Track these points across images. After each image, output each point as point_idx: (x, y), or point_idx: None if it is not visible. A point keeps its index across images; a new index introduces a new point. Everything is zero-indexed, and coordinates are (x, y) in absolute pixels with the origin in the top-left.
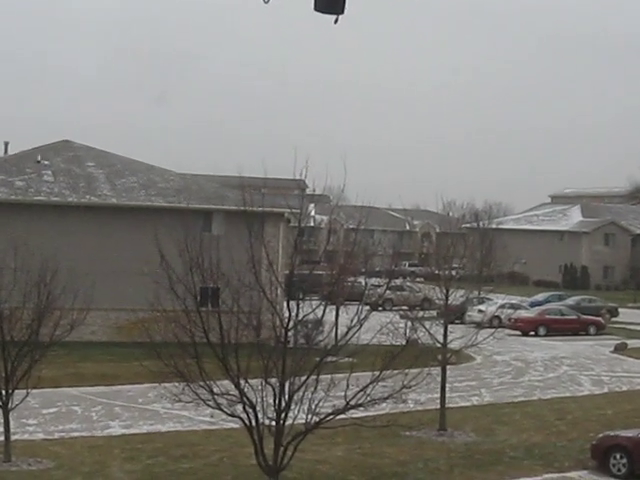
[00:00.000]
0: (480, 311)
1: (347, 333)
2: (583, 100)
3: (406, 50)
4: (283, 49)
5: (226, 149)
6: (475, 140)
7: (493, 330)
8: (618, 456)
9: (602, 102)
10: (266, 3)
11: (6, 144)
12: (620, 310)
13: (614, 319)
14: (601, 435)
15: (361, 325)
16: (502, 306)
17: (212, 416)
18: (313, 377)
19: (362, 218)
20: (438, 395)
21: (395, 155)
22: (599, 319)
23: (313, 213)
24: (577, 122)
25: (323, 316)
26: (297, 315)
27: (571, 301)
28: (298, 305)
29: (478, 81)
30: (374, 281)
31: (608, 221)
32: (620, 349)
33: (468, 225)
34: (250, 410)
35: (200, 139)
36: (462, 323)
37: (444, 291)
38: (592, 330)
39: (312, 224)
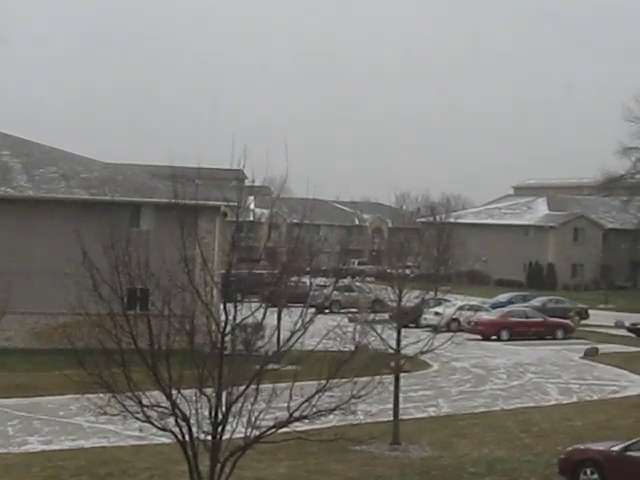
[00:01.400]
0: (437, 314)
1: (290, 338)
2: (549, 82)
3: (360, 34)
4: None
5: (156, 136)
6: (430, 128)
7: (451, 334)
8: (589, 471)
9: (570, 84)
10: None
11: None
12: (590, 312)
13: (584, 322)
14: (570, 448)
15: (305, 329)
16: (461, 308)
17: (141, 430)
18: (253, 387)
19: (306, 212)
20: (391, 406)
21: (342, 144)
22: (567, 322)
23: (252, 206)
24: (542, 106)
25: (264, 319)
26: (235, 319)
27: (537, 302)
28: (236, 308)
29: (433, 62)
30: (320, 281)
31: (577, 214)
32: (590, 354)
33: (423, 219)
34: (183, 423)
35: (127, 125)
36: (417, 327)
37: (397, 292)
38: (560, 334)
39: (251, 218)
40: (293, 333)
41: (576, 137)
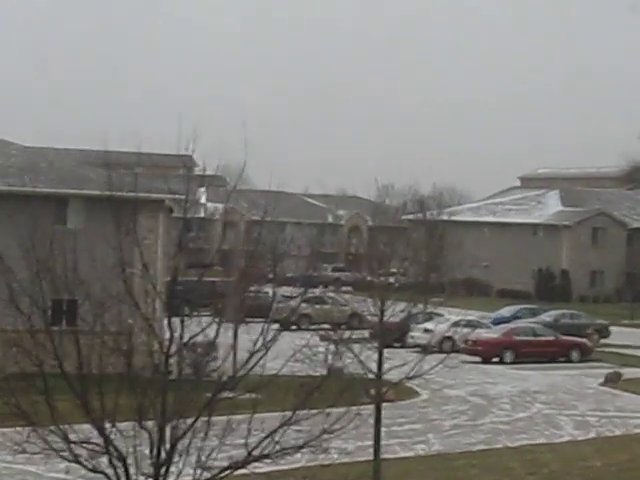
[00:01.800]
0: (427, 331)
1: (249, 360)
2: (561, 58)
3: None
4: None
5: (88, 114)
6: (420, 109)
7: (444, 356)
8: None
9: (585, 59)
10: None
11: None
12: (612, 329)
13: (604, 341)
14: None
15: (267, 349)
16: (456, 324)
17: (68, 472)
18: (203, 419)
19: (269, 206)
20: (371, 442)
21: (314, 127)
22: (584, 341)
23: (204, 200)
24: (553, 84)
25: (217, 337)
26: (182, 337)
27: (547, 317)
28: (183, 323)
29: (424, 37)
30: (286, 291)
31: (596, 211)
32: (612, 381)
33: (411, 216)
34: (119, 464)
35: (50, 102)
36: (403, 347)
37: (379, 304)
38: (575, 356)
39: (202, 214)
40: (252, 354)
41: (595, 120)
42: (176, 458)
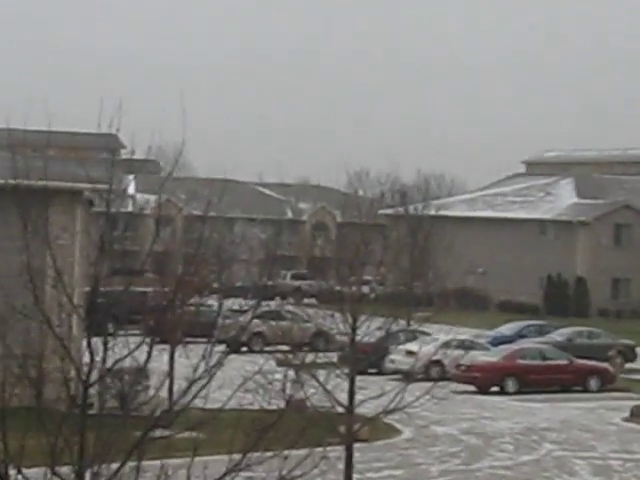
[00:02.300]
0: (410, 353)
1: (188, 390)
2: (575, 23)
3: None
4: None
5: None
6: (398, 79)
7: (431, 384)
8: None
9: (600, 25)
10: None
11: None
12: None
13: (629, 365)
14: None
15: (211, 377)
16: (446, 344)
17: None
18: (132, 464)
19: (214, 198)
20: None
21: (270, 103)
22: (605, 366)
23: (132, 190)
24: (566, 48)
25: (148, 362)
26: (105, 361)
27: (559, 336)
28: (106, 344)
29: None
30: (234, 304)
31: (620, 204)
32: (639, 415)
33: (390, 211)
34: None
35: None
36: (380, 373)
37: (350, 320)
38: (594, 384)
39: (130, 208)
40: (193, 383)
41: (617, 91)
42: None
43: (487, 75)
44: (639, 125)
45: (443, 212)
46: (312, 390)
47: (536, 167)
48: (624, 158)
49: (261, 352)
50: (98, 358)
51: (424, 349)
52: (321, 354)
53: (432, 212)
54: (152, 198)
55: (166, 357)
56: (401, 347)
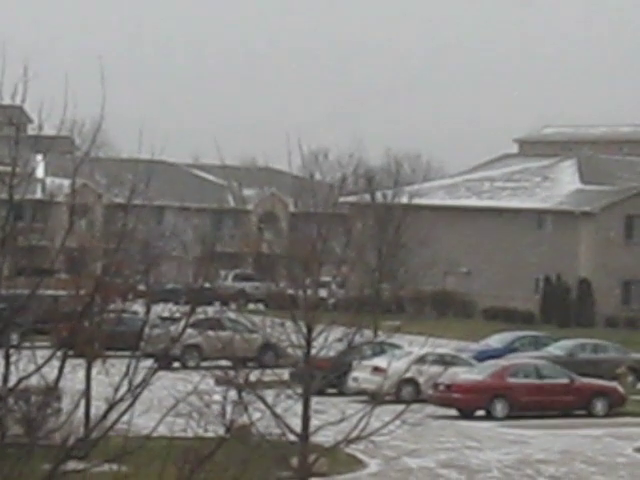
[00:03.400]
0: (377, 370)
1: (108, 414)
2: None
3: None
4: None
5: None
6: (363, 42)
7: (403, 408)
8: None
9: None
10: None
11: None
12: None
13: None
14: None
15: (136, 398)
16: (421, 360)
17: None
18: None
19: (139, 183)
20: None
21: (209, 72)
22: (614, 385)
23: (41, 173)
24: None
25: (60, 380)
26: (6, 379)
27: (559, 350)
28: (9, 358)
29: None
30: (164, 310)
31: (631, 191)
32: None
33: (353, 198)
34: None
35: None
36: (341, 393)
37: (304, 330)
38: (600, 407)
39: (39, 195)
40: (113, 405)
41: (628, 57)
42: None
43: (467, 39)
44: None
45: (418, 200)
46: (258, 414)
47: (532, 147)
48: (637, 136)
49: (197, 368)
50: None
51: (394, 365)
52: (269, 371)
53: (404, 200)
54: (65, 183)
55: (81, 374)
56: (366, 363)
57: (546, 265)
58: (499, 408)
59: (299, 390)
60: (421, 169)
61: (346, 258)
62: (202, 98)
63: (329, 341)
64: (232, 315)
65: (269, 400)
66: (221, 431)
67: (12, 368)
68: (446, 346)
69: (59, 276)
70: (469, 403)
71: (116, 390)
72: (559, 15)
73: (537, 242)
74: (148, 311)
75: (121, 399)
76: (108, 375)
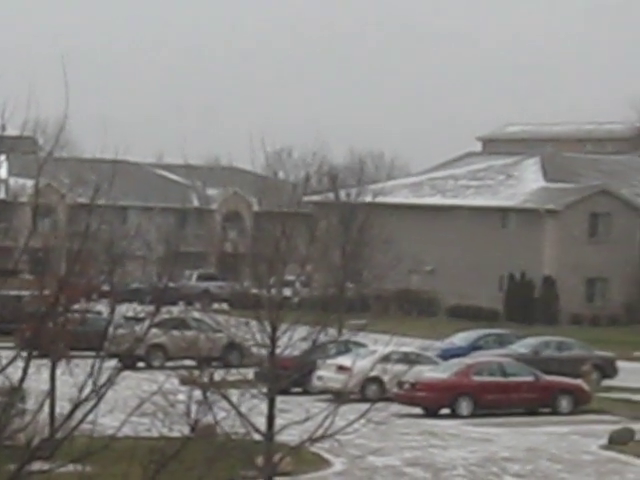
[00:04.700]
0: (341, 369)
1: (72, 414)
2: None
3: None
4: None
5: None
6: (329, 38)
7: (368, 406)
8: None
9: None
10: None
11: None
12: (620, 365)
13: (607, 382)
14: None
15: (100, 398)
16: (386, 358)
17: None
18: None
19: (103, 182)
20: None
21: (169, 72)
22: (579, 383)
23: (4, 174)
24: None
25: (24, 381)
26: None
27: (523, 348)
28: None
29: None
30: (128, 310)
31: (596, 188)
32: (620, 441)
33: (317, 197)
34: None
35: None
36: (306, 392)
37: (268, 329)
38: (565, 405)
39: (1, 195)
40: (78, 405)
41: (592, 53)
42: None
43: (430, 33)
44: (616, 95)
45: (381, 198)
46: (223, 413)
47: (495, 144)
48: (599, 134)
49: (161, 368)
50: None
51: (359, 364)
52: (234, 370)
53: (368, 198)
54: (28, 183)
55: (46, 374)
56: (331, 361)
57: (510, 263)
58: (464, 406)
59: (264, 389)
60: (385, 167)
61: (310, 257)
62: (167, 97)
63: (294, 340)
64: (196, 315)
65: (234, 399)
66: (186, 430)
67: None
68: (411, 344)
69: (23, 276)
70: (434, 401)
71: (80, 390)
72: (520, 12)
73: (501, 240)
74: (112, 311)
75: (86, 399)
76: (72, 375)
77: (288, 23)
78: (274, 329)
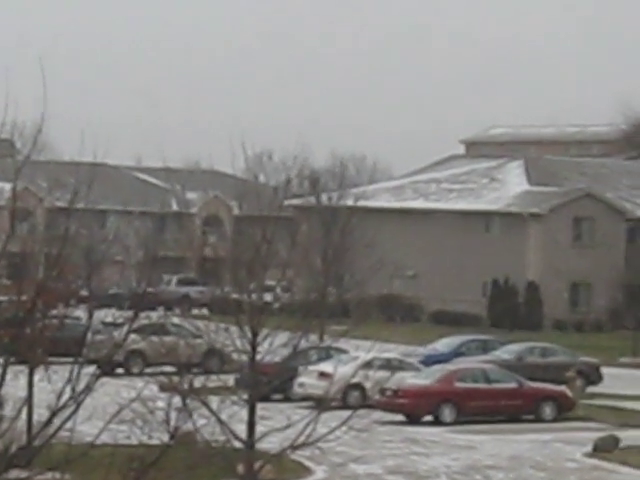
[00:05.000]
0: (323, 375)
1: (51, 421)
2: None
3: None
4: None
5: None
6: (310, 42)
7: (350, 413)
8: None
9: None
10: None
11: None
12: (604, 371)
13: (592, 389)
14: None
15: (79, 405)
16: (368, 365)
17: None
18: None
19: (82, 186)
20: None
21: (148, 72)
22: (562, 389)
23: None
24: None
25: (1, 387)
26: None
27: (507, 354)
28: None
29: None
30: (107, 315)
31: (580, 192)
32: (605, 449)
33: (298, 201)
34: None
35: None
36: (287, 399)
37: (249, 335)
38: (549, 412)
39: None
40: (56, 412)
41: (578, 54)
42: None
43: (412, 34)
44: (600, 97)
45: (363, 202)
46: (203, 421)
47: (478, 147)
48: (584, 137)
49: (140, 374)
50: None
51: (341, 370)
52: (214, 376)
53: (350, 202)
54: (6, 186)
55: (24, 381)
56: (312, 368)
57: (494, 268)
58: (447, 413)
59: (244, 396)
60: (367, 171)
61: (291, 262)
62: (145, 99)
63: (274, 346)
64: (176, 320)
65: (214, 406)
66: (165, 438)
67: None
68: (393, 351)
69: (0, 281)
70: (416, 408)
71: (59, 397)
72: (505, 15)
73: (485, 244)
74: (91, 316)
75: (64, 406)
76: (50, 382)
77: (258, 21)
78: (255, 335)
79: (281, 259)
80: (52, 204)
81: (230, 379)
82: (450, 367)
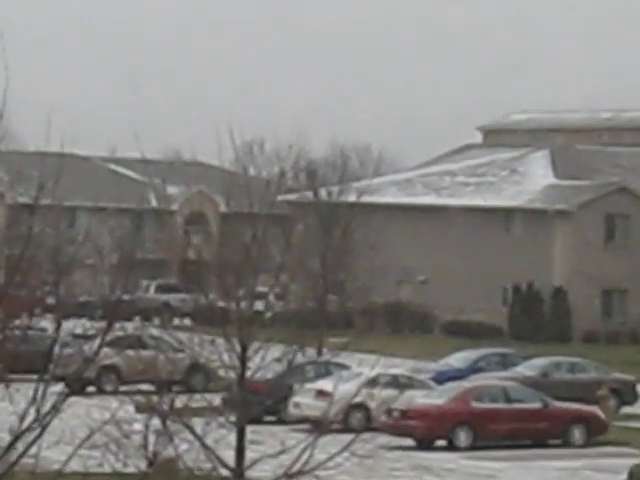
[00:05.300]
0: (322, 394)
1: (12, 445)
2: None
3: None
4: None
5: None
6: (305, 23)
7: (352, 437)
8: None
9: None
10: None
11: None
12: None
13: (627, 409)
14: None
15: (44, 428)
16: (373, 382)
17: None
18: None
19: (48, 179)
20: None
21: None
22: (593, 410)
23: None
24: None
25: None
26: None
27: (530, 369)
28: None
29: None
30: (77, 326)
31: (613, 186)
32: None
33: (293, 196)
34: None
35: None
36: (281, 421)
37: (237, 349)
38: (578, 435)
39: None
40: (19, 436)
41: (609, 35)
42: None
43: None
44: (636, 81)
45: (367, 198)
46: (185, 445)
47: (498, 136)
48: (617, 123)
49: (115, 393)
50: None
51: (342, 388)
52: (198, 395)
53: (352, 198)
54: None
55: None
56: (310, 386)
57: (515, 272)
58: (462, 437)
59: (232, 418)
60: (371, 162)
61: (286, 265)
62: (122, 83)
63: (266, 361)
64: (155, 332)
65: (198, 429)
66: (143, 465)
67: None
68: (401, 366)
69: None
70: (428, 431)
71: (22, 419)
72: None
73: (505, 246)
74: (58, 327)
75: (27, 429)
76: (12, 402)
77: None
78: (244, 348)
79: (274, 262)
80: (14, 200)
81: (216, 398)
82: (466, 385)
